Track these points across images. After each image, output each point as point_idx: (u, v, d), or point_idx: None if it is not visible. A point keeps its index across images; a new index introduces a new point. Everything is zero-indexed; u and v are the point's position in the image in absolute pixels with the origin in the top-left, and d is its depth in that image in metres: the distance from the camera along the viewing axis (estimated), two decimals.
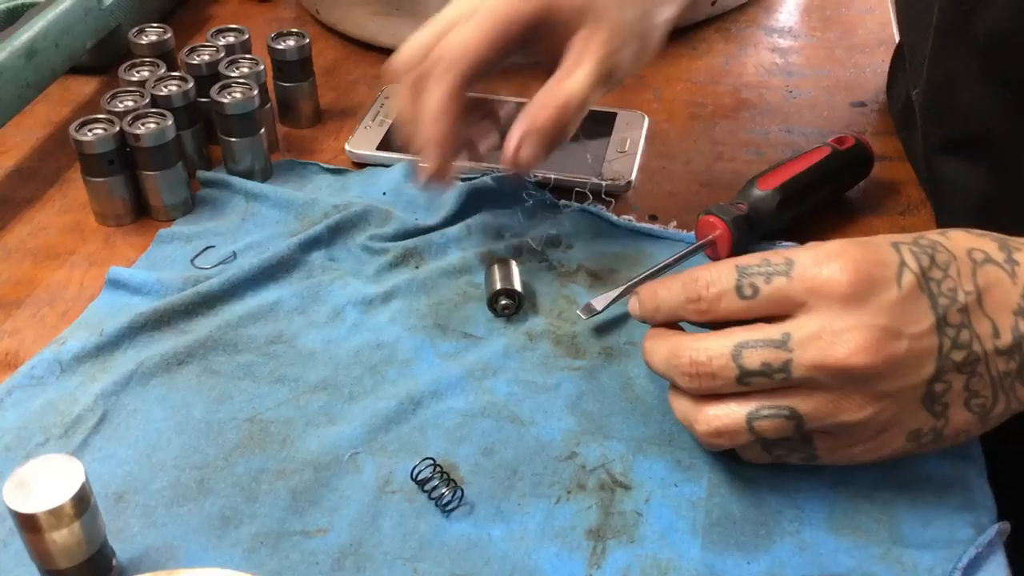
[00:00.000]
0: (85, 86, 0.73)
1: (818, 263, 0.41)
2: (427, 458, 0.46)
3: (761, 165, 0.60)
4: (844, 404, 0.40)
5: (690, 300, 0.43)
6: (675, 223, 0.60)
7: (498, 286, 0.54)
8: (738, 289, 0.42)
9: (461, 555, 0.42)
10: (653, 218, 0.61)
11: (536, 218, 0.60)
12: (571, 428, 0.48)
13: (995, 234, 0.43)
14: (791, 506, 0.44)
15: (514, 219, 0.60)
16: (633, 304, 0.47)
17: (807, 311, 0.40)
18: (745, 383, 0.41)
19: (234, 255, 0.57)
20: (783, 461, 0.44)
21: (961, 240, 0.42)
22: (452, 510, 0.44)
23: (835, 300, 0.40)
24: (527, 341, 0.52)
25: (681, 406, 0.44)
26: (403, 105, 0.52)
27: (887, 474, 0.45)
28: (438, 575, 0.42)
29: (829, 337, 0.39)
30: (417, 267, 0.57)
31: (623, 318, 0.54)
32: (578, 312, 0.53)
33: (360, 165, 0.65)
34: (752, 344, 0.41)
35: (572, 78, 0.50)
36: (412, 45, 0.52)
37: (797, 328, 0.40)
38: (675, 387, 0.44)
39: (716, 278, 0.43)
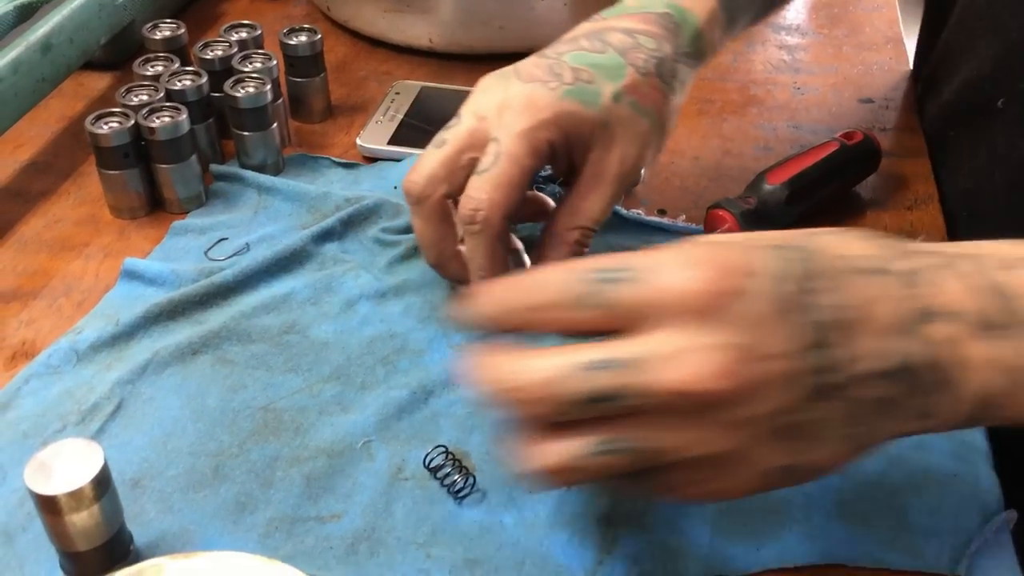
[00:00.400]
0: (99, 81, 0.74)
1: (677, 268, 0.34)
2: (439, 446, 0.46)
3: (769, 160, 0.61)
4: (697, 436, 0.34)
5: (528, 308, 0.36)
6: (684, 217, 0.60)
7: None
8: (576, 297, 0.35)
9: (473, 541, 0.43)
10: (662, 212, 0.61)
11: None
12: None
13: (893, 238, 0.38)
14: (800, 493, 0.44)
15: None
16: (468, 310, 0.39)
17: (656, 326, 0.34)
18: (586, 410, 0.34)
19: (247, 247, 0.58)
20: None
21: (849, 245, 0.37)
22: (464, 497, 0.45)
23: (690, 314, 0.34)
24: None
25: (511, 444, 0.37)
26: (423, 231, 0.51)
27: (894, 463, 0.45)
28: (451, 560, 0.42)
29: (679, 357, 0.33)
30: None
31: None
32: None
33: (371, 159, 0.66)
34: (595, 364, 0.34)
35: (590, 201, 0.50)
36: (428, 166, 0.50)
37: (642, 346, 0.34)
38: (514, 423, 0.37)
39: (546, 283, 0.36)
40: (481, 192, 0.48)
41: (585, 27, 0.54)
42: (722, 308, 0.34)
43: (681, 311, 0.34)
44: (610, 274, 0.35)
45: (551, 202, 0.56)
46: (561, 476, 0.36)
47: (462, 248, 0.51)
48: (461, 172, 0.50)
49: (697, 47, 0.55)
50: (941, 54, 0.67)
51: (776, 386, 0.34)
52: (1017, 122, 0.56)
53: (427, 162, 0.50)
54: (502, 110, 0.49)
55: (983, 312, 0.36)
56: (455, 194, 0.50)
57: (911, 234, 0.59)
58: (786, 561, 0.42)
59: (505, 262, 0.50)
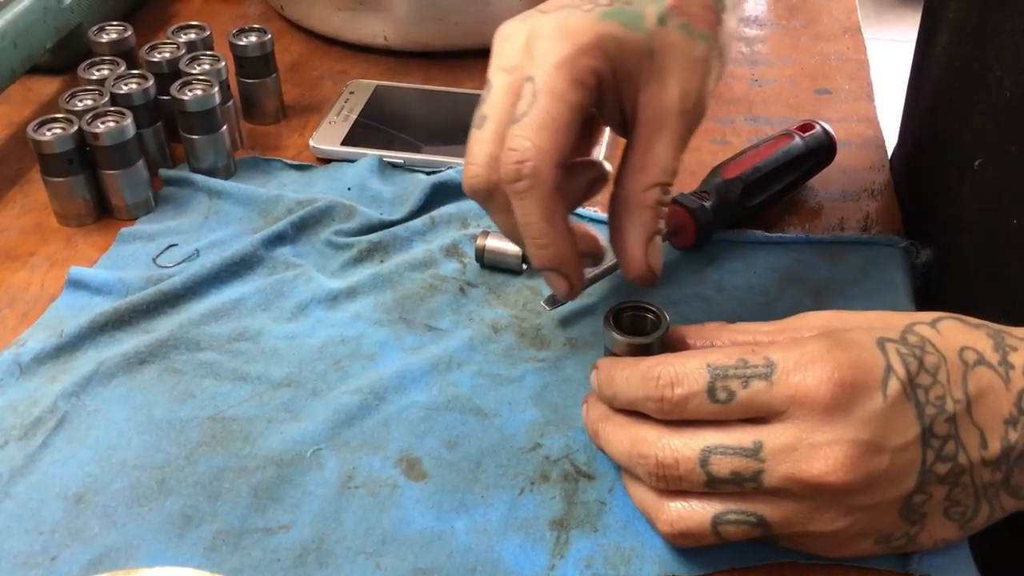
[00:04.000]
0: (47, 86, 0.73)
1: (801, 367, 0.38)
2: None
3: (726, 154, 0.60)
4: (816, 516, 0.38)
5: (650, 398, 0.40)
6: None
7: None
8: (710, 392, 0.38)
9: (424, 549, 0.42)
10: None
11: None
12: (535, 419, 0.48)
13: (991, 326, 0.40)
14: None
15: (478, 211, 0.60)
16: (593, 379, 0.43)
17: (784, 419, 0.38)
18: (713, 488, 0.39)
19: (197, 253, 0.57)
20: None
21: (953, 336, 0.39)
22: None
23: (816, 410, 0.37)
24: (492, 333, 0.52)
25: (641, 496, 0.42)
26: (509, 226, 0.45)
27: None
28: (401, 569, 0.42)
29: (806, 451, 0.37)
30: (382, 261, 0.57)
31: (587, 309, 0.54)
32: (542, 304, 0.53)
33: (325, 161, 0.65)
34: (721, 450, 0.38)
35: (656, 150, 0.43)
36: (480, 153, 0.43)
37: (771, 437, 0.38)
38: (633, 474, 0.42)
39: (683, 376, 0.39)
40: (523, 139, 0.41)
41: None
42: (845, 405, 0.37)
43: (808, 407, 0.37)
44: (740, 371, 0.38)
45: (606, 165, 0.48)
46: (689, 540, 0.40)
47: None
48: None
49: None
50: (925, 104, 0.62)
51: (891, 476, 0.38)
52: (991, 185, 0.51)
53: (477, 149, 0.43)
54: (532, 44, 0.42)
55: None
56: None
57: (867, 225, 0.59)
58: (740, 560, 0.42)
59: (567, 226, 0.43)
